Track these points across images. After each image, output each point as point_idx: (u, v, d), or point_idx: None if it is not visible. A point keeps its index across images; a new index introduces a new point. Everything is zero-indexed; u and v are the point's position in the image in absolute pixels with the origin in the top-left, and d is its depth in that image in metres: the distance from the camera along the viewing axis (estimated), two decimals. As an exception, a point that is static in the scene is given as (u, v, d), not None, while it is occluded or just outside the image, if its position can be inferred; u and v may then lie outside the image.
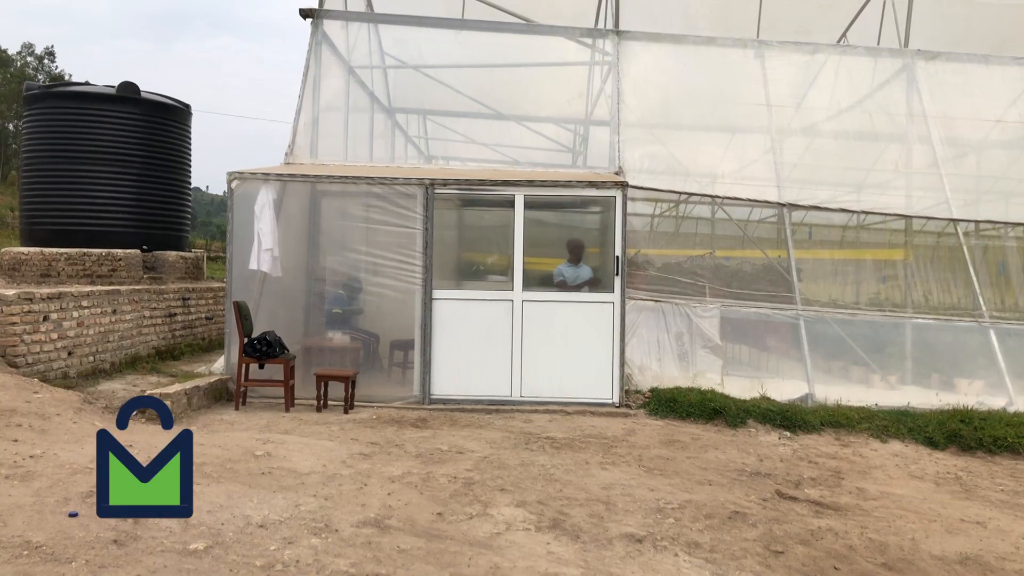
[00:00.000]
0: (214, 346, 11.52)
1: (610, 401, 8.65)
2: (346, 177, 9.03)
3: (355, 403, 8.34)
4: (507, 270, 8.91)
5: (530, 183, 8.88)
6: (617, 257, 8.73)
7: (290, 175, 8.97)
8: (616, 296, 8.73)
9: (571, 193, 9.01)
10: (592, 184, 9.08)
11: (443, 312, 8.72)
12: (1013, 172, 11.17)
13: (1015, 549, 4.99)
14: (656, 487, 5.78)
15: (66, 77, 48.26)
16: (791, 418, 8.09)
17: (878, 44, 11.75)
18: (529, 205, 8.88)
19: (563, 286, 9.03)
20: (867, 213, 10.33)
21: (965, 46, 11.22)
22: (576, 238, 9.28)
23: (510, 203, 8.83)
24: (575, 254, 9.15)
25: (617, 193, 8.81)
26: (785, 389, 8.96)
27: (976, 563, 4.70)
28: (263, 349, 8.19)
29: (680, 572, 4.22)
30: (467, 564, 4.08)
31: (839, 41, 12.18)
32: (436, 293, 8.71)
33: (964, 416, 8.10)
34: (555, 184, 8.94)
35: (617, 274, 8.72)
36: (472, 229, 10.03)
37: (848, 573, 4.40)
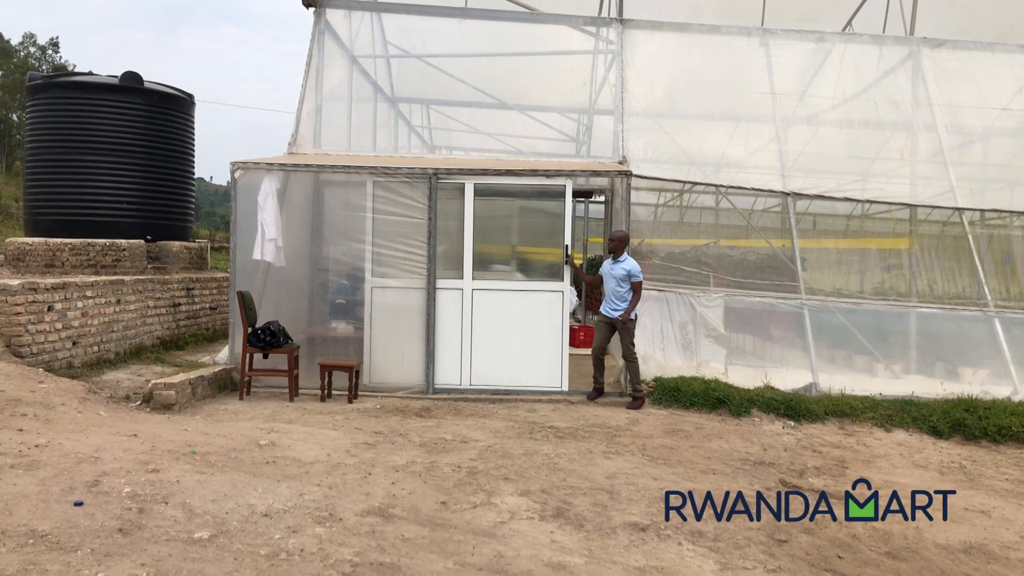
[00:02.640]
0: (218, 336, 11.54)
1: (558, 389, 8.75)
2: (349, 167, 9.02)
3: (359, 392, 8.36)
4: (509, 259, 8.92)
5: (484, 172, 8.88)
6: (566, 246, 8.75)
7: (293, 165, 8.95)
8: (565, 285, 8.80)
9: (520, 182, 8.94)
10: (596, 173, 9.05)
11: (447, 302, 8.77)
12: (1019, 160, 11.11)
13: (1020, 538, 4.99)
14: (660, 476, 5.79)
15: (69, 67, 48.20)
16: (795, 407, 8.09)
17: (883, 32, 11.68)
18: (530, 195, 8.86)
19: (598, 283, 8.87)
20: (872, 202, 10.28)
21: (971, 34, 11.15)
22: (617, 230, 8.76)
23: (513, 194, 8.83)
24: (612, 248, 8.62)
25: (568, 183, 8.81)
26: (789, 378, 8.96)
27: (980, 552, 4.70)
28: (267, 339, 8.20)
29: (684, 561, 4.22)
30: (471, 553, 4.09)
31: (844, 29, 12.11)
32: (440, 283, 8.73)
33: (968, 405, 8.09)
34: (507, 173, 8.91)
35: (566, 263, 8.76)
36: (476, 219, 10.00)
37: (852, 562, 4.40)
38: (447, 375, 8.78)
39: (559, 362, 8.80)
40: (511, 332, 8.80)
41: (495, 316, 8.79)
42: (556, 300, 8.81)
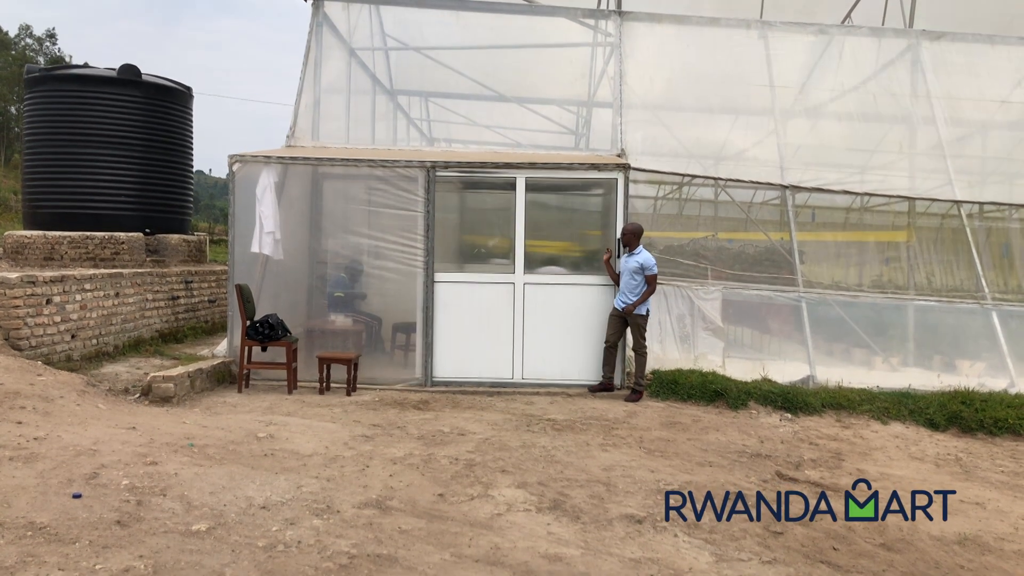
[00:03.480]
0: (217, 329, 11.56)
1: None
2: (347, 160, 9.01)
3: (357, 385, 8.38)
4: (508, 252, 8.92)
5: (532, 165, 8.86)
6: (618, 240, 8.74)
7: (291, 158, 8.95)
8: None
9: (573, 175, 8.98)
10: (594, 166, 9.05)
11: (445, 295, 8.76)
12: (1018, 153, 11.09)
13: (1014, 530, 5.01)
14: (657, 468, 5.81)
15: (67, 59, 48.04)
16: (792, 400, 8.10)
17: (882, 24, 11.66)
18: (531, 188, 8.88)
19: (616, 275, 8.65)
20: (870, 195, 10.29)
21: (970, 26, 11.12)
22: (631, 223, 8.59)
23: (511, 185, 8.86)
24: (626, 241, 8.47)
25: (619, 175, 8.80)
26: (787, 371, 8.97)
27: (975, 543, 4.72)
28: (265, 332, 8.21)
29: (680, 552, 4.24)
30: (468, 544, 4.11)
31: (843, 22, 12.08)
32: (438, 276, 8.74)
33: (965, 398, 8.11)
34: (556, 167, 8.92)
35: (618, 257, 8.72)
36: (473, 212, 10.02)
37: (847, 553, 4.42)
38: (500, 369, 8.79)
39: None
40: (563, 326, 8.81)
41: (548, 310, 8.81)
42: (608, 294, 8.82)
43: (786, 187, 9.84)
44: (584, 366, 8.80)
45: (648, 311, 8.49)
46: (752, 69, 10.62)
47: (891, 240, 10.80)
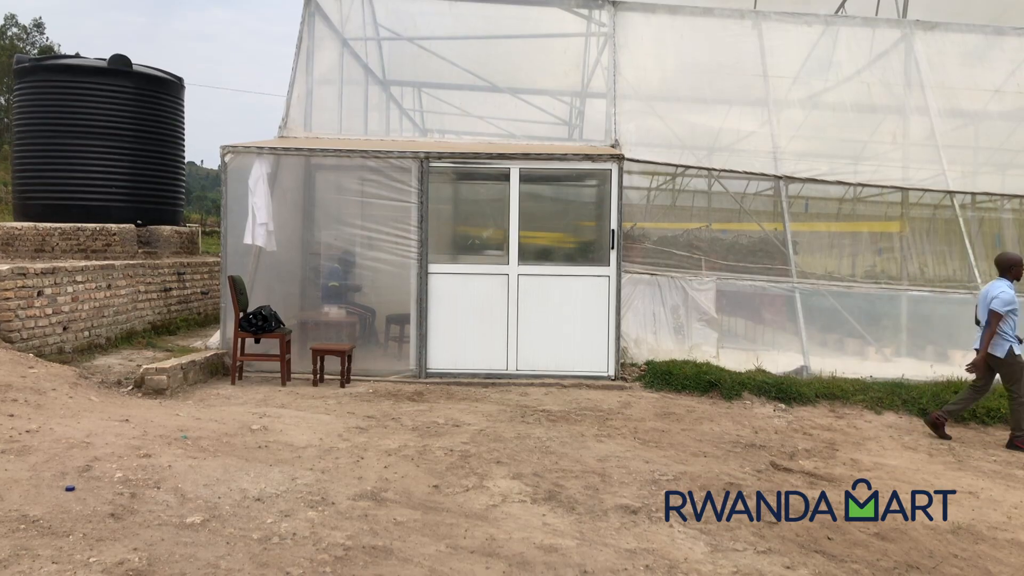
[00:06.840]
0: (210, 321, 11.51)
1: (606, 374, 8.68)
2: (340, 151, 8.97)
3: (351, 377, 8.36)
4: (503, 243, 8.89)
5: (526, 156, 8.83)
6: (613, 231, 8.71)
7: (284, 149, 8.91)
8: (612, 270, 8.73)
9: (567, 166, 8.96)
10: (588, 157, 9.03)
11: (439, 286, 8.73)
12: (1010, 143, 11.13)
13: (1007, 519, 5.04)
14: (651, 459, 5.81)
15: (55, 49, 47.63)
16: (786, 390, 8.12)
17: (876, 14, 11.65)
18: (524, 179, 8.85)
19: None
20: (864, 185, 10.30)
21: (964, 16, 11.14)
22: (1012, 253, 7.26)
23: (505, 176, 8.82)
24: (1014, 273, 7.03)
25: (613, 166, 8.77)
26: (780, 361, 9.00)
27: (968, 532, 4.74)
28: (259, 324, 8.18)
29: (674, 543, 4.25)
30: (463, 536, 4.11)
31: (837, 12, 12.06)
32: (432, 267, 8.71)
33: (958, 388, 8.12)
34: (550, 157, 8.90)
35: (612, 248, 8.70)
36: (467, 203, 9.98)
37: (841, 543, 4.44)
38: (494, 360, 8.72)
39: (606, 347, 8.73)
40: (558, 317, 8.74)
41: (542, 301, 8.74)
42: (602, 285, 8.76)
43: (780, 177, 9.84)
44: (578, 357, 8.76)
45: (1012, 350, 6.85)
46: (746, 59, 10.60)
47: (884, 230, 10.83)
